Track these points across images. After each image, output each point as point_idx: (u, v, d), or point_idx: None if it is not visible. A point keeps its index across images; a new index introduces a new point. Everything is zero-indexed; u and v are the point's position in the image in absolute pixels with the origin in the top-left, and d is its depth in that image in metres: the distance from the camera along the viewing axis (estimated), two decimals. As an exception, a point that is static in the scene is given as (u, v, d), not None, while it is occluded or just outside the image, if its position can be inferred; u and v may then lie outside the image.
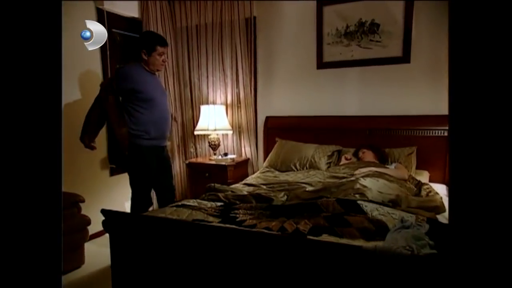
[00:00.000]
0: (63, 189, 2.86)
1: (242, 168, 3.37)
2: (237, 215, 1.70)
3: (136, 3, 3.28)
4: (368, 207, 1.63)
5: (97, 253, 2.56)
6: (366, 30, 2.93)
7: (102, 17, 2.96)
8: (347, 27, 2.99)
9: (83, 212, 2.52)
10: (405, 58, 2.82)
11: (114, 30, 3.15)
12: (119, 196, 3.20)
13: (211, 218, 1.69)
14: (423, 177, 2.61)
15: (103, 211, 1.63)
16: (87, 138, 2.39)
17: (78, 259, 2.42)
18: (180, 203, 1.96)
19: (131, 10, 3.25)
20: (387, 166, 2.53)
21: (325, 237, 1.39)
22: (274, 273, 1.28)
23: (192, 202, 1.97)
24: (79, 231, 2.42)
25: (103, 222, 1.65)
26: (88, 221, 2.46)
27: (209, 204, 1.94)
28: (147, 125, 2.37)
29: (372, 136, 2.95)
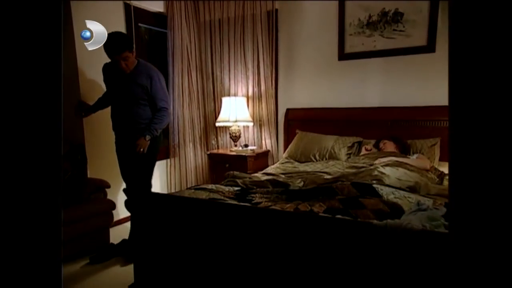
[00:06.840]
0: (89, 175, 2.95)
1: (262, 159, 3.40)
2: (253, 198, 1.73)
3: (161, -2, 3.39)
4: (384, 190, 1.62)
5: (121, 237, 2.65)
6: (389, 19, 2.87)
7: (129, 11, 3.08)
8: (370, 17, 2.95)
9: (108, 197, 2.63)
10: (430, 47, 2.75)
11: (140, 24, 3.27)
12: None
13: (228, 200, 1.73)
14: (448, 168, 2.53)
15: (125, 191, 1.71)
16: None
17: (103, 240, 2.54)
18: (198, 187, 2.01)
19: (157, 5, 3.36)
20: (409, 157, 2.47)
21: (339, 218, 1.39)
22: (287, 250, 1.30)
23: (210, 186, 2.02)
24: (104, 214, 2.53)
25: (125, 202, 1.73)
26: (112, 206, 2.57)
27: (226, 188, 1.98)
28: None
29: (394, 127, 2.89)
